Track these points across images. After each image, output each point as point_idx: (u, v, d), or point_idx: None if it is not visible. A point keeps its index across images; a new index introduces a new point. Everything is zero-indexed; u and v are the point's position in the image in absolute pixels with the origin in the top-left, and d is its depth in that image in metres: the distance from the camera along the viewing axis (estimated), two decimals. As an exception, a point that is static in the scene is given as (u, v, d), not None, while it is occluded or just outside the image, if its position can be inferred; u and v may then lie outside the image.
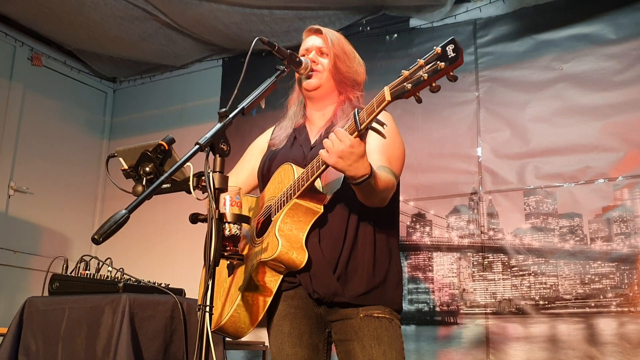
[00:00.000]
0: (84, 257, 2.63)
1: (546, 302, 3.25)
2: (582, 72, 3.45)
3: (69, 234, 4.70)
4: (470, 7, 3.82)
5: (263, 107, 1.80)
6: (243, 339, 3.52)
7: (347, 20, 4.13)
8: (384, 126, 1.49)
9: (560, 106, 3.45)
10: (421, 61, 1.41)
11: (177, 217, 4.33)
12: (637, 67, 3.32)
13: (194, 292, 2.51)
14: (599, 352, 3.06)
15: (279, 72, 1.82)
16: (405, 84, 1.43)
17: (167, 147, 1.57)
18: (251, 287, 1.75)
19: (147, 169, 1.57)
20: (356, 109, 1.52)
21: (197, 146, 1.49)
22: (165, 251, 4.51)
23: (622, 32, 3.39)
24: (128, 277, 2.52)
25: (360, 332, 1.73)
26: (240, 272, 1.82)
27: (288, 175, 1.77)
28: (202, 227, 1.45)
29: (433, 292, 3.53)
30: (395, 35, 4.03)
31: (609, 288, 3.13)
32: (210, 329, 1.38)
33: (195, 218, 1.52)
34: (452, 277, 3.51)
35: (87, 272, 2.58)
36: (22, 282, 4.30)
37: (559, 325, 3.19)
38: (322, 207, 1.73)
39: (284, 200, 1.73)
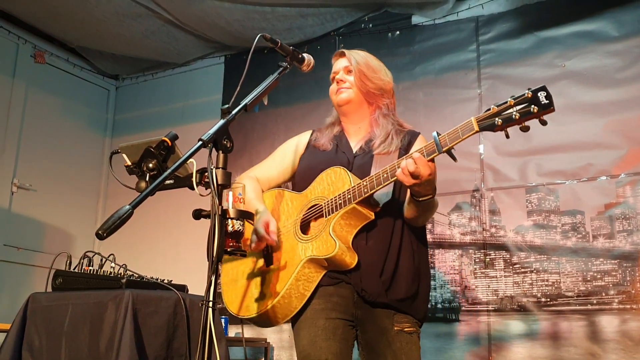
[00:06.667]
0: (87, 254, 2.63)
1: (548, 299, 3.25)
2: (584, 69, 3.44)
3: (72, 231, 4.71)
4: (472, 4, 3.82)
5: (266, 103, 1.82)
6: (245, 336, 3.53)
7: (349, 18, 4.13)
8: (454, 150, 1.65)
9: (563, 103, 3.44)
10: (511, 101, 1.57)
11: (180, 213, 4.34)
12: (640, 65, 3.32)
13: (196, 288, 2.52)
14: (601, 349, 3.06)
15: (281, 69, 1.84)
16: (495, 119, 1.59)
17: (170, 144, 1.57)
18: (296, 280, 1.83)
19: (150, 165, 1.58)
20: (435, 132, 1.67)
21: (200, 142, 1.49)
22: (168, 247, 4.52)
23: (625, 29, 3.39)
24: (131, 273, 2.52)
25: (393, 345, 1.84)
26: (285, 264, 1.89)
27: (341, 178, 1.89)
28: (205, 223, 1.46)
29: (435, 289, 3.54)
30: (398, 32, 4.03)
31: (611, 285, 3.13)
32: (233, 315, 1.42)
33: (198, 214, 1.52)
34: (454, 274, 3.51)
35: (90, 268, 2.57)
36: (26, 278, 4.32)
37: (560, 323, 3.19)
38: (374, 214, 1.86)
39: (340, 203, 1.83)
